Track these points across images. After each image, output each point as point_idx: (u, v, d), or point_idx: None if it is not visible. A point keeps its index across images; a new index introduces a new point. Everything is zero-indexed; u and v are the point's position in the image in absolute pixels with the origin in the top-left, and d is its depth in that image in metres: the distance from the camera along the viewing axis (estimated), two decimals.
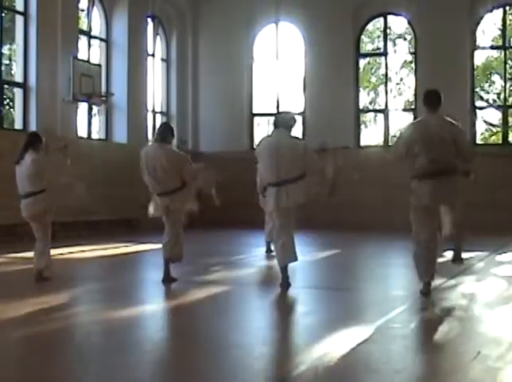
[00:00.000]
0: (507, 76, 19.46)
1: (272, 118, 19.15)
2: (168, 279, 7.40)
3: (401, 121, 24.37)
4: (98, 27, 16.28)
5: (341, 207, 16.33)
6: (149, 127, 17.45)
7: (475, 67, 18.31)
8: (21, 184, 7.59)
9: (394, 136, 24.35)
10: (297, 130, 17.44)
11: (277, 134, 7.14)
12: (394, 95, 24.94)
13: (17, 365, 4.31)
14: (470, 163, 6.76)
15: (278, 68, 18.48)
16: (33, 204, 7.53)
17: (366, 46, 23.33)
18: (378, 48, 22.51)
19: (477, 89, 20.58)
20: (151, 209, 7.52)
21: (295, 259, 7.07)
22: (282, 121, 7.20)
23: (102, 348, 4.79)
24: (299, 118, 17.97)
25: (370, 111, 24.82)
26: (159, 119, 18.05)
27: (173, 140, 7.73)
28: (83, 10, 16.64)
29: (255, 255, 10.58)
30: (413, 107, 18.19)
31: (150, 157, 7.35)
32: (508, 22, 19.12)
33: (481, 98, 23.54)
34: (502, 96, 19.15)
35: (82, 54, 15.29)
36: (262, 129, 21.40)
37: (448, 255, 9.93)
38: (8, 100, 18.35)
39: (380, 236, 13.89)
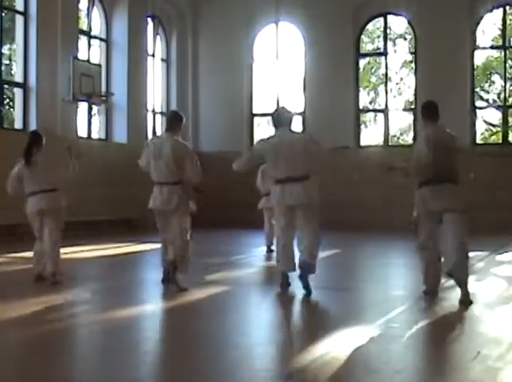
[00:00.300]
0: (507, 75, 19.47)
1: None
2: (168, 280, 7.37)
3: (401, 121, 24.37)
4: (98, 27, 16.29)
5: (341, 207, 16.34)
6: (149, 127, 17.47)
7: (475, 67, 18.32)
8: (38, 180, 7.54)
9: (394, 136, 24.34)
10: (297, 129, 17.44)
11: (279, 134, 7.10)
12: (394, 95, 24.97)
13: (17, 365, 4.31)
14: (470, 162, 6.79)
15: (278, 68, 18.49)
16: (50, 199, 7.53)
17: (366, 46, 23.33)
18: (378, 48, 22.52)
19: (477, 89, 20.59)
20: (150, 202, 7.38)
21: (293, 269, 7.01)
22: (280, 120, 7.14)
23: (102, 349, 4.79)
24: (299, 119, 17.97)
25: (370, 110, 24.82)
26: (159, 119, 18.06)
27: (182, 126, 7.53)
28: (82, 10, 16.65)
29: (255, 255, 10.58)
30: (413, 106, 18.19)
31: (157, 156, 7.18)
32: (508, 22, 19.12)
33: (481, 98, 23.54)
34: (502, 96, 19.15)
35: (82, 54, 15.30)
36: (262, 129, 21.42)
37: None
38: (8, 100, 18.36)
39: (380, 236, 13.89)
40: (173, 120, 7.41)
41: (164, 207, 7.18)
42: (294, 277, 7.20)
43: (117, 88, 15.94)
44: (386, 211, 15.82)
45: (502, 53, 18.40)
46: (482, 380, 3.85)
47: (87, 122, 15.88)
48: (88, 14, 16.00)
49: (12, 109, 17.82)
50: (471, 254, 10.31)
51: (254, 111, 18.75)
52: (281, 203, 6.89)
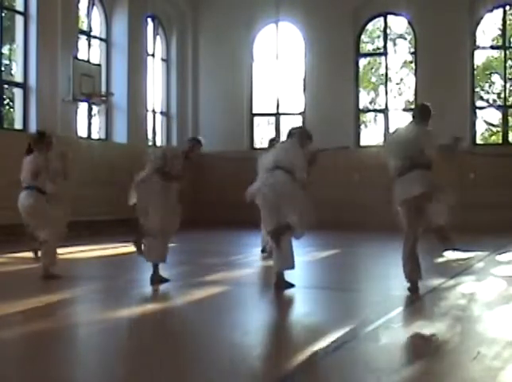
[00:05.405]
0: (507, 75, 19.45)
1: (272, 119, 19.22)
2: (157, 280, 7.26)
3: (401, 121, 24.36)
4: (98, 27, 16.29)
5: (341, 207, 16.35)
6: (149, 127, 17.47)
7: (475, 67, 18.31)
8: None
9: None
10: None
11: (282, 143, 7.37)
12: (394, 95, 24.95)
13: (15, 364, 4.31)
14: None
15: (278, 68, 18.48)
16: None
17: (366, 46, 23.32)
18: (378, 48, 22.50)
19: (477, 89, 20.57)
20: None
21: (292, 266, 6.94)
22: (296, 134, 7.34)
23: (102, 348, 4.79)
24: (299, 118, 17.96)
25: (370, 111, 24.81)
26: (159, 119, 18.06)
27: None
28: (82, 10, 16.64)
29: (255, 255, 10.58)
30: (412, 107, 18.18)
31: None
32: (508, 22, 19.10)
33: (481, 98, 23.53)
34: (502, 96, 19.15)
35: (82, 54, 15.30)
36: (262, 129, 21.41)
37: (447, 254, 9.98)
38: (8, 100, 18.35)
39: (380, 236, 13.88)
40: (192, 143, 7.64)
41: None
42: (295, 277, 7.20)
43: (117, 88, 15.94)
44: (386, 211, 15.80)
45: (502, 53, 18.39)
46: (482, 379, 3.85)
47: (87, 122, 15.87)
48: (88, 14, 16.00)
49: (12, 109, 17.81)
50: (471, 254, 10.36)
51: (254, 111, 18.75)
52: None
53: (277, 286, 6.86)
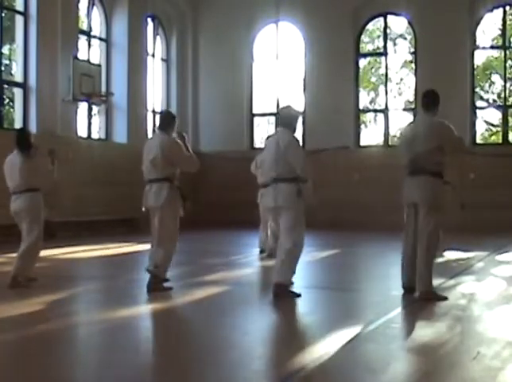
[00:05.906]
0: (507, 75, 19.46)
1: (272, 118, 19.25)
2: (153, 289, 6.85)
3: (401, 121, 24.39)
4: (98, 27, 16.29)
5: (341, 207, 16.35)
6: (149, 127, 17.47)
7: (475, 67, 18.32)
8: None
9: (394, 136, 24.42)
10: (298, 130, 17.44)
11: (277, 133, 7.01)
12: (394, 95, 24.97)
13: (15, 364, 4.30)
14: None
15: (278, 68, 18.49)
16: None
17: (366, 46, 23.33)
18: (378, 48, 22.51)
19: (477, 89, 20.57)
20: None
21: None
22: (283, 120, 7.02)
23: (101, 349, 4.79)
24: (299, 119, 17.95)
25: (370, 111, 24.83)
26: (159, 119, 18.05)
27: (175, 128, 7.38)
28: (82, 10, 16.65)
29: (255, 255, 10.58)
30: (412, 106, 18.19)
31: (147, 147, 7.12)
32: (508, 22, 19.11)
33: (481, 98, 23.54)
34: (502, 96, 19.15)
35: (82, 54, 15.31)
36: (262, 129, 21.42)
37: (447, 254, 9.97)
38: (8, 100, 18.36)
39: (380, 236, 13.88)
40: (164, 120, 7.31)
41: (152, 205, 6.91)
42: (295, 277, 7.18)
43: (117, 88, 15.94)
44: (386, 211, 15.82)
45: (502, 53, 18.40)
46: (482, 379, 3.85)
47: (87, 122, 15.88)
48: (88, 14, 16.01)
49: (12, 109, 17.81)
50: (471, 254, 10.35)
51: (254, 111, 18.75)
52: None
53: (279, 296, 6.44)
